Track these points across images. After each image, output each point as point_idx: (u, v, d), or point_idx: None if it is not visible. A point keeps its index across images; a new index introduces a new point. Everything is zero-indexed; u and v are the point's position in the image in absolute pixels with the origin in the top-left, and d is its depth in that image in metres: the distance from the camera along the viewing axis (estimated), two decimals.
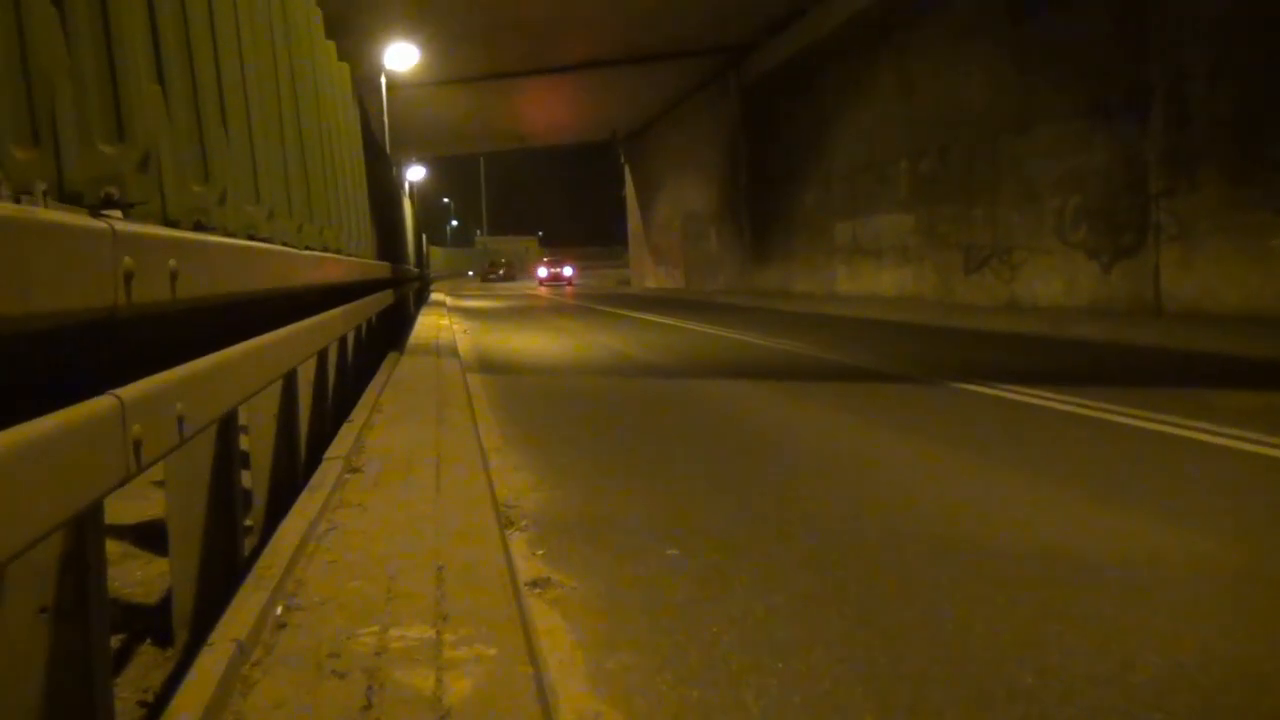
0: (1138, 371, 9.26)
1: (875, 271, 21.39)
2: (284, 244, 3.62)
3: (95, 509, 1.65)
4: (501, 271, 69.31)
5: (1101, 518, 4.08)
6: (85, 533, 1.63)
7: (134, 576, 3.70)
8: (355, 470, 4.45)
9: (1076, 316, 14.07)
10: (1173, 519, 4.02)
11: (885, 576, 3.33)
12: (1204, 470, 4.87)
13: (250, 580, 2.73)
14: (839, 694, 2.44)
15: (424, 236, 33.16)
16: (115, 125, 1.93)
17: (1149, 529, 3.89)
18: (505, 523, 4.04)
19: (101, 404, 1.45)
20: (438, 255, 60.46)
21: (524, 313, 23.89)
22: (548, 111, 37.64)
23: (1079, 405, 6.75)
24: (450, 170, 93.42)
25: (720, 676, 2.57)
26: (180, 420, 1.84)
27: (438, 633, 2.44)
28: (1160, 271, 13.23)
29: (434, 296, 32.66)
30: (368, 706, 2.03)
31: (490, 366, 10.94)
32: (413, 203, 25.94)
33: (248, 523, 3.86)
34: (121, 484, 1.52)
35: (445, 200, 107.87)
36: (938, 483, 4.80)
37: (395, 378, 8.20)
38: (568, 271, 52.77)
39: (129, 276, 1.57)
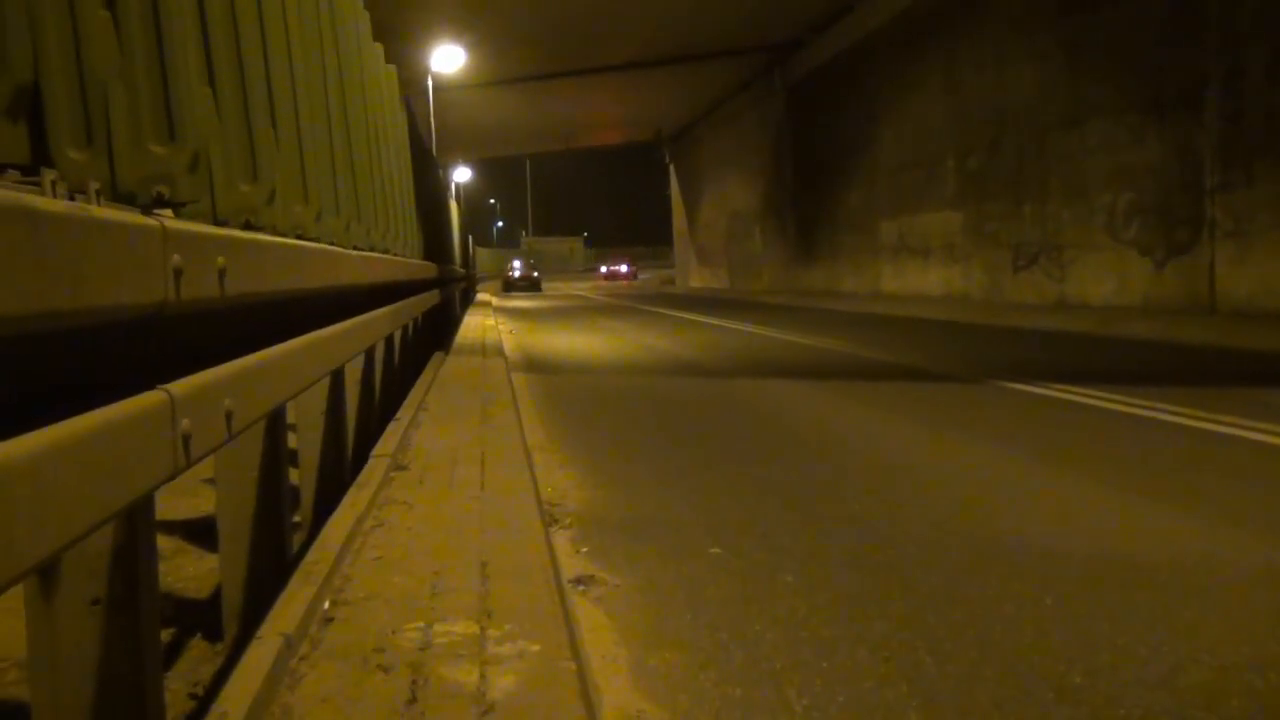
0: (1191, 370, 9.08)
1: (922, 270, 21.20)
2: (331, 243, 3.67)
3: (146, 502, 1.68)
4: (525, 274, 49.19)
5: (1152, 519, 4.01)
6: (136, 526, 1.66)
7: (186, 572, 3.76)
8: (402, 468, 4.49)
9: (1128, 315, 13.83)
10: (1225, 520, 3.93)
11: (931, 576, 3.29)
12: (1261, 471, 4.76)
13: (298, 575, 2.77)
14: (884, 692, 2.42)
15: (470, 238, 33.39)
16: (166, 126, 1.96)
17: (1201, 530, 3.81)
18: (549, 520, 4.06)
19: (151, 399, 1.48)
20: (484, 256, 60.85)
21: (569, 313, 23.96)
22: (592, 112, 37.77)
23: (1130, 405, 6.64)
24: (496, 172, 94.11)
25: (763, 675, 2.55)
26: (229, 415, 1.87)
27: (482, 629, 2.45)
28: (1215, 268, 12.97)
29: (480, 297, 32.89)
30: (412, 701, 2.04)
31: (535, 366, 10.99)
32: (459, 204, 26.14)
33: (296, 519, 3.91)
34: (171, 478, 1.55)
35: (491, 201, 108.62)
36: (982, 483, 4.75)
37: (441, 377, 8.26)
38: (624, 269, 65.43)
39: (178, 273, 1.60)
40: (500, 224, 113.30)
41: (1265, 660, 2.54)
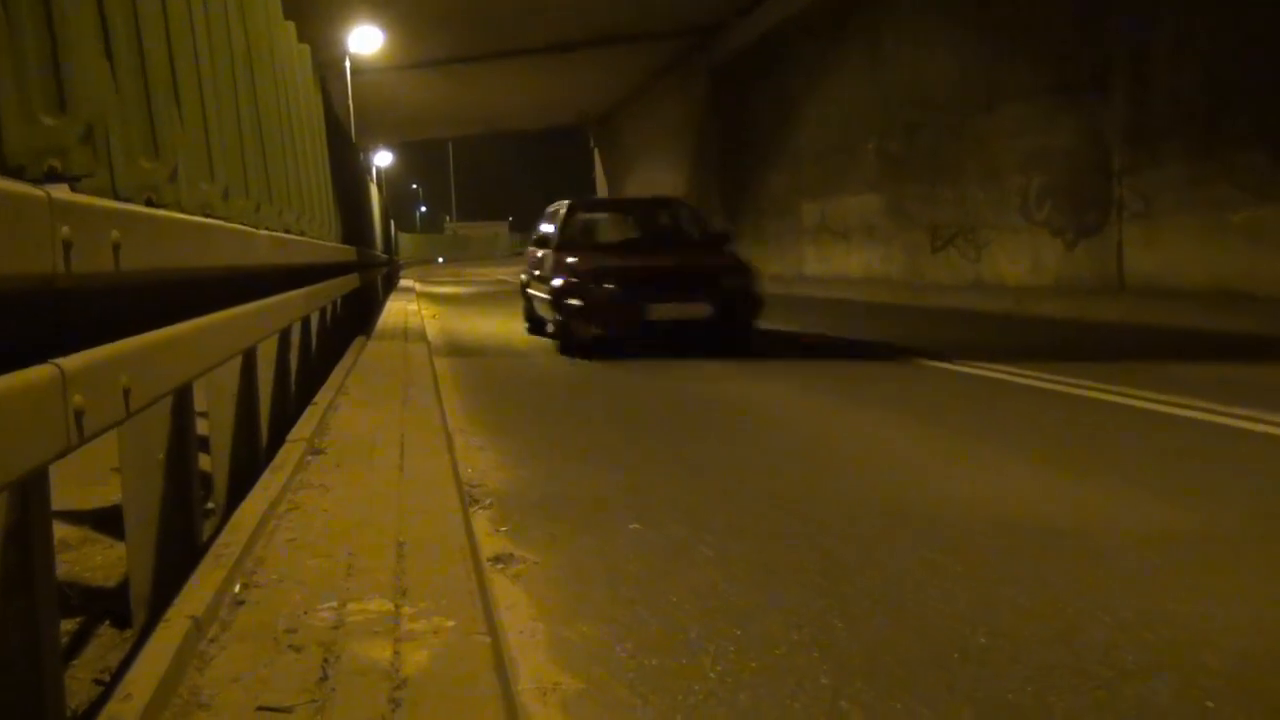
0: (1100, 346, 9.36)
1: (844, 253, 21.46)
2: (241, 224, 3.59)
3: (39, 479, 1.64)
4: None
5: (1061, 487, 4.13)
6: (30, 505, 1.62)
7: (94, 561, 3.67)
8: (318, 452, 4.43)
9: (1042, 294, 14.19)
10: (1129, 486, 4.08)
11: (846, 547, 3.36)
12: (1165, 441, 4.94)
13: (208, 559, 2.72)
14: (796, 658, 2.46)
15: (392, 223, 32.92)
16: (57, 96, 1.90)
17: (1106, 497, 3.94)
18: (469, 501, 4.04)
19: (39, 373, 1.44)
20: (408, 241, 60.07)
21: (492, 299, 23.80)
22: (515, 95, 37.44)
23: (1045, 380, 6.82)
24: (420, 156, 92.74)
25: (679, 645, 2.58)
26: (126, 393, 1.83)
27: (396, 607, 2.44)
28: (1123, 249, 13.36)
29: (403, 283, 32.47)
30: (324, 679, 2.03)
31: (457, 350, 10.91)
32: (380, 188, 25.74)
33: (209, 506, 3.84)
34: (63, 454, 1.51)
35: (414, 186, 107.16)
36: (901, 457, 4.85)
37: (362, 361, 8.16)
38: None
39: (67, 246, 1.56)
40: (424, 209, 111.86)
41: (1157, 615, 2.65)
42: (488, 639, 2.24)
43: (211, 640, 2.25)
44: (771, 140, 24.62)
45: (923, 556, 3.21)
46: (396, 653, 2.16)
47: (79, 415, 1.54)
